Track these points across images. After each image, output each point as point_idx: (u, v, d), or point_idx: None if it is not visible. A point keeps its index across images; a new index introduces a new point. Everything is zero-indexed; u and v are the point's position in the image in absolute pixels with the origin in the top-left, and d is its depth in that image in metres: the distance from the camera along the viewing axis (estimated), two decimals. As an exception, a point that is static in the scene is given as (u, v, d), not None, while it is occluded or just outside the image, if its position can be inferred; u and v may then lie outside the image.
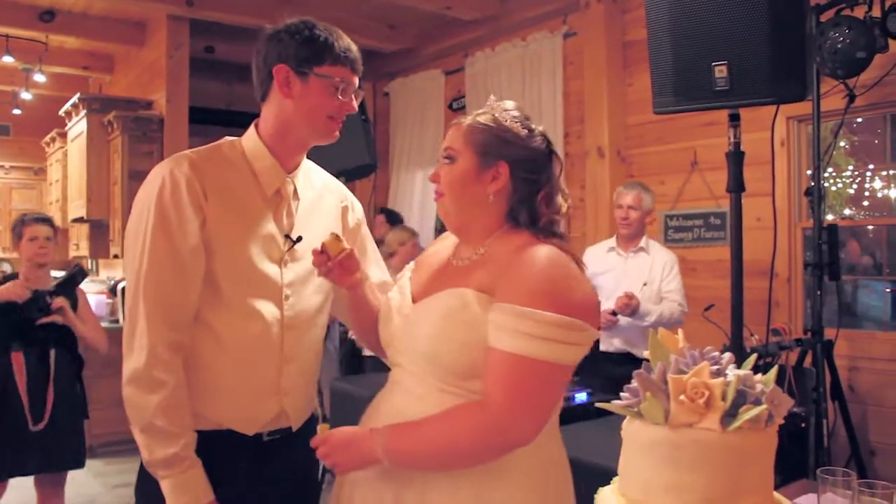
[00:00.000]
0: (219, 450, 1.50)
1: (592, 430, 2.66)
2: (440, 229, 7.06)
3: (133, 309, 1.48)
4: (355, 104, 1.62)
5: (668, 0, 2.41)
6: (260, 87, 1.60)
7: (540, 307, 1.30)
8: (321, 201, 1.73)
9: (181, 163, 1.53)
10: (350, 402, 3.79)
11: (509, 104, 1.52)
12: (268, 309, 1.56)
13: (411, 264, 1.70)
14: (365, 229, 1.86)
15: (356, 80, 1.61)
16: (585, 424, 2.78)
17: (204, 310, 1.52)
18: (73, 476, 4.97)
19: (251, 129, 1.64)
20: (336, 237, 1.58)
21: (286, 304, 1.60)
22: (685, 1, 2.38)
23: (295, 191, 1.65)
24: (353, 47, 1.60)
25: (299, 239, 1.62)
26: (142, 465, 1.56)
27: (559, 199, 1.50)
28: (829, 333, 3.33)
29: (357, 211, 1.84)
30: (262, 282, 1.56)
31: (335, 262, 1.57)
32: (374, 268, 1.84)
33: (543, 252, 1.38)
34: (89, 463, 5.24)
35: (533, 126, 1.51)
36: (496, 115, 1.49)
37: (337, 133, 1.61)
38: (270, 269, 1.58)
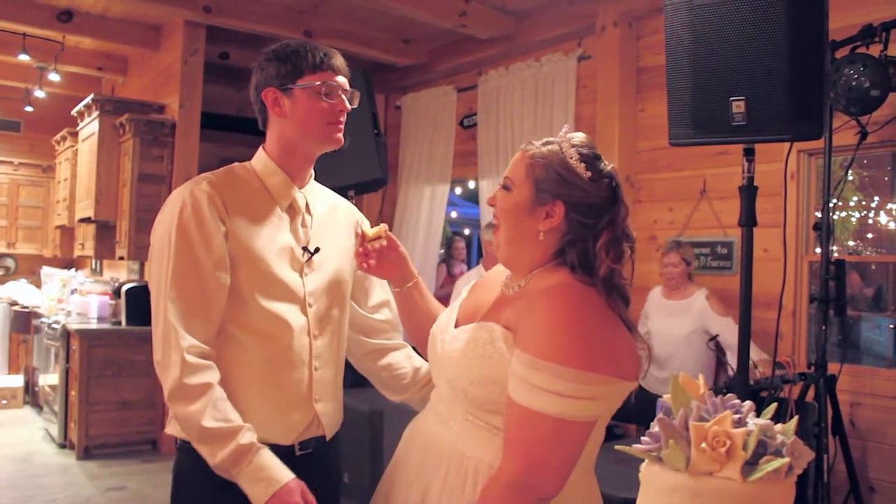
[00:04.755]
0: None
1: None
2: (446, 244, 7.09)
3: (164, 327, 1.51)
4: (347, 104, 1.68)
5: (689, 34, 2.43)
6: (259, 116, 1.70)
7: (556, 359, 1.25)
8: (333, 216, 1.81)
9: (200, 182, 1.60)
10: (348, 415, 3.78)
11: (579, 138, 1.46)
12: (294, 317, 1.62)
13: (470, 284, 1.71)
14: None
15: (341, 80, 1.67)
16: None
17: (230, 323, 1.56)
18: (67, 477, 4.98)
19: (260, 151, 1.71)
20: (380, 228, 1.72)
21: (311, 312, 1.66)
22: (705, 35, 2.39)
23: (307, 205, 1.72)
24: (332, 52, 1.67)
25: (317, 250, 1.69)
26: (175, 479, 1.62)
27: (624, 245, 1.41)
28: (832, 368, 3.33)
29: (366, 228, 1.88)
30: (285, 291, 1.62)
31: (369, 250, 1.69)
32: (378, 287, 1.90)
33: (571, 297, 1.34)
34: (84, 464, 5.28)
35: (602, 166, 1.43)
36: (562, 149, 1.42)
37: (341, 137, 1.68)
38: (292, 278, 1.64)
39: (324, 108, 1.63)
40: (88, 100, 6.33)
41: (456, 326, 1.52)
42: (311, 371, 1.65)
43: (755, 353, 3.68)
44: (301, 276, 1.66)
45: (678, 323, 4.07)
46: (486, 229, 4.57)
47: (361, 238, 1.73)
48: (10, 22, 5.74)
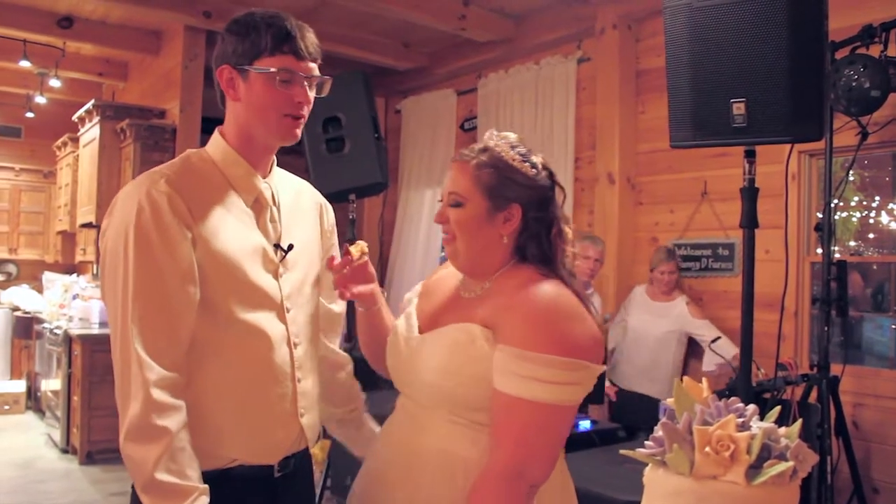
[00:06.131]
0: (228, 490, 1.39)
1: (595, 459, 2.67)
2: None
3: (123, 353, 1.33)
4: (311, 94, 1.48)
5: (688, 36, 2.43)
6: (217, 91, 1.51)
7: (541, 349, 1.31)
8: (299, 202, 1.64)
9: (156, 181, 1.39)
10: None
11: (512, 137, 1.52)
12: (273, 326, 1.47)
13: (417, 289, 1.71)
14: (335, 238, 1.76)
15: (307, 67, 1.46)
16: (588, 453, 2.79)
17: (203, 338, 1.39)
18: (70, 483, 4.97)
19: (216, 137, 1.52)
20: (362, 247, 1.59)
21: (289, 318, 1.51)
22: (705, 37, 2.39)
23: (273, 196, 1.55)
24: (299, 32, 1.45)
25: (290, 247, 1.53)
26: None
27: (566, 228, 1.51)
28: (834, 369, 3.33)
29: (331, 214, 1.74)
30: (262, 298, 1.46)
31: (352, 267, 1.57)
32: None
33: (545, 290, 1.40)
34: (87, 469, 5.27)
35: (535, 159, 1.50)
36: (501, 153, 1.47)
37: (298, 133, 1.49)
38: (269, 283, 1.48)
39: (281, 97, 1.43)
40: (89, 105, 6.34)
41: (420, 333, 1.53)
42: (295, 384, 1.51)
43: (731, 349, 3.86)
44: (276, 279, 1.49)
45: (658, 323, 4.25)
46: None
47: (346, 261, 1.56)
48: (11, 28, 5.76)
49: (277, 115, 1.45)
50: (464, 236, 1.48)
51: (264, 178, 1.53)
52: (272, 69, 1.41)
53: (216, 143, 1.51)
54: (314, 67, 1.48)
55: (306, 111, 1.48)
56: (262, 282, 1.47)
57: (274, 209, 1.54)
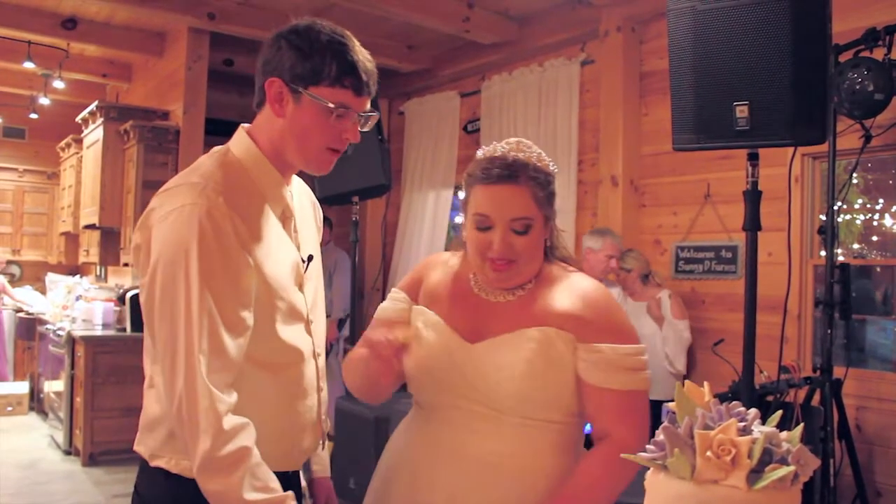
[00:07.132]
0: None
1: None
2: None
3: (189, 384, 1.26)
4: (358, 131, 1.43)
5: (692, 38, 2.43)
6: (258, 94, 1.43)
7: (625, 341, 1.45)
8: (302, 204, 1.59)
9: (213, 199, 1.30)
10: (354, 421, 3.79)
11: (534, 144, 1.54)
12: (303, 341, 1.47)
13: (401, 296, 1.64)
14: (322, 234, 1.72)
15: (363, 103, 1.41)
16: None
17: (246, 355, 1.36)
18: (73, 484, 4.98)
19: (244, 137, 1.44)
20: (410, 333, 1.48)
21: (312, 330, 1.50)
22: (708, 40, 2.39)
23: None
24: (363, 65, 1.39)
25: (311, 258, 1.51)
26: (136, 487, 1.46)
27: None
28: (837, 372, 3.33)
29: (320, 213, 1.70)
30: (295, 314, 1.44)
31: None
32: None
33: (596, 286, 1.52)
34: (90, 471, 5.28)
35: None
36: (541, 165, 1.49)
37: (331, 167, 1.45)
38: (299, 298, 1.46)
39: (331, 130, 1.37)
40: (93, 107, 6.36)
41: (472, 343, 1.49)
42: (319, 394, 1.53)
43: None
44: (302, 292, 1.47)
45: (646, 322, 4.21)
46: (590, 236, 4.44)
47: (397, 348, 1.41)
48: (15, 30, 5.78)
49: (319, 147, 1.40)
50: (529, 257, 1.48)
51: (288, 185, 1.49)
52: (330, 104, 1.35)
53: (244, 145, 1.43)
54: (367, 103, 1.42)
55: (346, 146, 1.44)
56: (296, 298, 1.45)
57: (295, 219, 1.51)
